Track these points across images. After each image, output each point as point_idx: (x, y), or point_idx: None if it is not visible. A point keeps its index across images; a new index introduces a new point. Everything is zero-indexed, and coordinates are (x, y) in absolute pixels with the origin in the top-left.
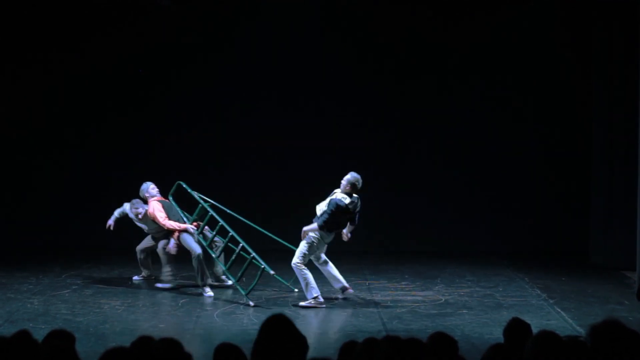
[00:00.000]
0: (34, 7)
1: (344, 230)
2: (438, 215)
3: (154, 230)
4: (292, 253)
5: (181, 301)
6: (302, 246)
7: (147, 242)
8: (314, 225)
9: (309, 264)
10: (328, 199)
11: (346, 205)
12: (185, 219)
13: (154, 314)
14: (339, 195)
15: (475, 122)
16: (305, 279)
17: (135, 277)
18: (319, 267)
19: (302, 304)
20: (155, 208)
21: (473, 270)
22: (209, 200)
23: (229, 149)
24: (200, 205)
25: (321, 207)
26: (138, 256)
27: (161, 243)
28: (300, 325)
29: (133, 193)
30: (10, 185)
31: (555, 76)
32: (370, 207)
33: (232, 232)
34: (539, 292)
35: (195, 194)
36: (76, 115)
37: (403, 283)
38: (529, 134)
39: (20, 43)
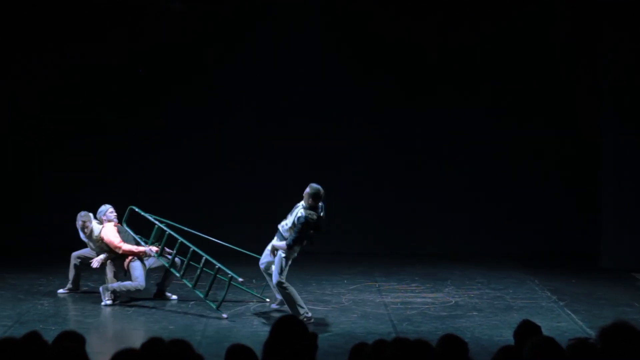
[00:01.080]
0: (47, 7)
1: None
2: (449, 218)
3: (97, 250)
4: (255, 259)
5: (191, 303)
6: (279, 262)
7: (87, 252)
8: (283, 244)
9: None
10: (294, 216)
11: (316, 220)
12: (142, 243)
13: (164, 316)
14: (305, 211)
15: (485, 125)
16: (291, 297)
17: (61, 290)
18: (265, 275)
19: None
20: (110, 232)
21: (483, 272)
22: (164, 220)
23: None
24: (155, 226)
25: (286, 223)
26: (72, 262)
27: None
28: (311, 327)
29: (141, 194)
30: (20, 185)
31: (564, 78)
32: (381, 209)
33: (192, 247)
34: (549, 294)
35: (149, 216)
36: (88, 115)
37: (413, 285)
38: (540, 137)
39: (29, 43)
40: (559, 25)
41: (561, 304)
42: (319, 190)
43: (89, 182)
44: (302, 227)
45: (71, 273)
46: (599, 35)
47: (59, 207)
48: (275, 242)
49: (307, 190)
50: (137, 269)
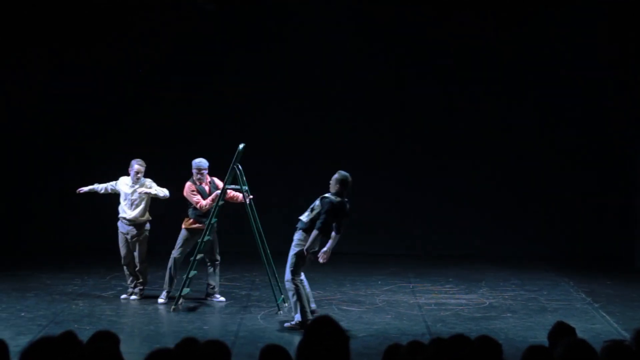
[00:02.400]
0: (70, 7)
1: (326, 246)
2: (483, 219)
3: (130, 203)
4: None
5: (225, 303)
6: (291, 259)
7: (126, 250)
8: (315, 232)
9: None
10: (316, 203)
11: (340, 204)
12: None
13: (197, 316)
14: (329, 195)
15: (518, 128)
16: (299, 298)
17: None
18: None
19: (287, 324)
20: (189, 189)
21: (518, 274)
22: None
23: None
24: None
25: (306, 214)
26: (129, 271)
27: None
28: (345, 328)
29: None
30: (57, 186)
31: (595, 81)
32: (415, 211)
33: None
34: (583, 296)
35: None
36: (116, 114)
37: (447, 286)
38: (574, 139)
39: (51, 43)
40: (590, 27)
41: (596, 305)
42: (346, 176)
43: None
44: (328, 209)
45: (132, 275)
46: (632, 37)
47: (94, 208)
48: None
49: (335, 176)
50: (180, 237)
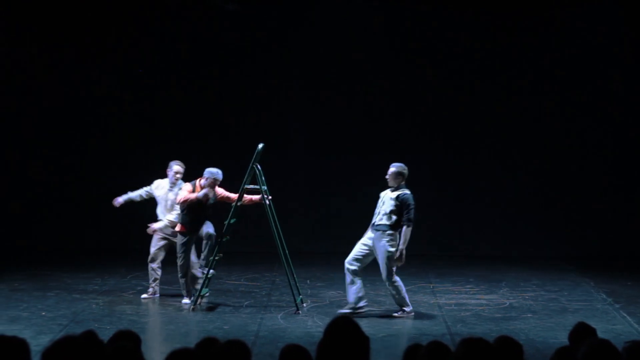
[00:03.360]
0: (89, 6)
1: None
2: (503, 219)
3: (164, 206)
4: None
5: (245, 303)
6: (385, 263)
7: (158, 246)
8: (408, 228)
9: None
10: (387, 204)
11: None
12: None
13: (217, 316)
14: (399, 192)
15: (541, 127)
16: (401, 293)
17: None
18: (348, 273)
19: (395, 314)
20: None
21: (538, 274)
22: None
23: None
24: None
25: (381, 216)
26: (158, 273)
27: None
28: (365, 328)
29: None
30: (77, 186)
31: (623, 79)
32: (435, 211)
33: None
34: (604, 296)
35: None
36: (130, 114)
37: (467, 286)
38: (596, 138)
39: (59, 42)
40: (618, 26)
41: (617, 306)
42: (403, 167)
43: (146, 183)
44: (412, 204)
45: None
46: None
47: (116, 208)
48: (375, 237)
49: (392, 170)
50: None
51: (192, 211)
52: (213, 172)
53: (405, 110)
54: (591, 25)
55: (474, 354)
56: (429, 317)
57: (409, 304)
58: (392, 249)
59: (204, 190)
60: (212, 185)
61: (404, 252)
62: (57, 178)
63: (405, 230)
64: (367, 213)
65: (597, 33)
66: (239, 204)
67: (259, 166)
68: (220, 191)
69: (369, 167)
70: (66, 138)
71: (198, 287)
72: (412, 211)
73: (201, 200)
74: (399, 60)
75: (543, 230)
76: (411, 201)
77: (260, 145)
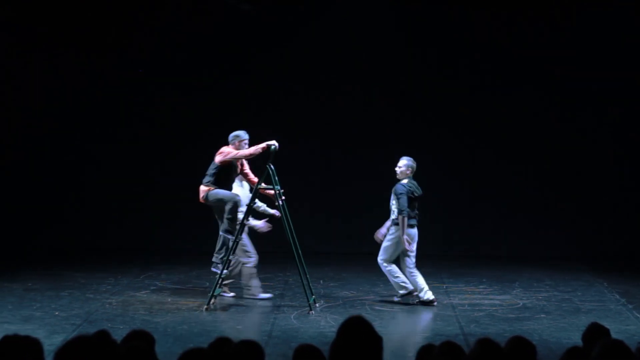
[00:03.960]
0: (98, 6)
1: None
2: (516, 219)
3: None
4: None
5: (258, 303)
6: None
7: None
8: (401, 218)
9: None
10: (392, 195)
11: (413, 189)
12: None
13: (231, 316)
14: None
15: (554, 127)
16: (394, 275)
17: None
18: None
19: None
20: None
21: (551, 274)
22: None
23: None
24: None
25: (391, 206)
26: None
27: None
28: (378, 328)
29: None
30: (90, 185)
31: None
32: (448, 211)
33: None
34: (617, 296)
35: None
36: (144, 114)
37: (481, 287)
38: (608, 138)
39: (71, 40)
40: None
41: (630, 306)
42: (410, 160)
43: (159, 183)
44: (401, 193)
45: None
46: None
47: (129, 207)
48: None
49: (404, 162)
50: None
51: (226, 172)
52: (236, 133)
53: (421, 108)
54: (605, 25)
55: (490, 354)
56: (442, 317)
57: (407, 287)
58: (392, 236)
59: (255, 147)
60: (238, 148)
61: (404, 238)
62: (70, 177)
63: (401, 220)
64: (380, 213)
65: (611, 34)
66: (254, 205)
67: (272, 166)
68: (246, 166)
69: (383, 166)
70: (80, 137)
71: (254, 282)
72: (402, 200)
73: (247, 157)
74: (413, 58)
75: (556, 230)
76: (400, 190)
77: (274, 145)
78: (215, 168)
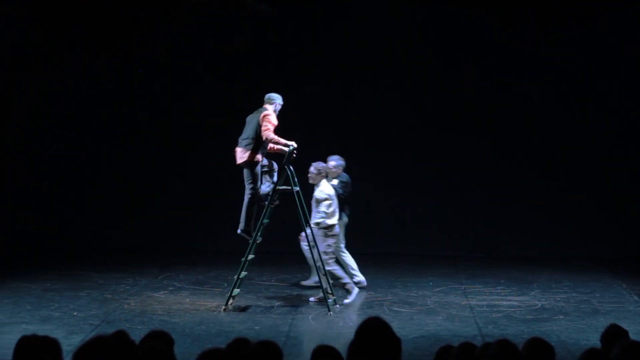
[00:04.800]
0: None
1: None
2: (535, 221)
3: None
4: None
5: (276, 303)
6: None
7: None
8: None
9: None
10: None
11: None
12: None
13: (248, 316)
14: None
15: (572, 126)
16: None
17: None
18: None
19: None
20: (271, 114)
21: (570, 275)
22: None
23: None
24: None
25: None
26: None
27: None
28: (396, 329)
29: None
30: (110, 185)
31: None
32: (466, 212)
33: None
34: (636, 298)
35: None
36: (162, 112)
37: (499, 288)
38: (628, 138)
39: (92, 44)
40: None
41: None
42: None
43: (179, 183)
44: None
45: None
46: None
47: (148, 208)
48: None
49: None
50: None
51: (261, 141)
52: (275, 96)
53: (441, 111)
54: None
55: (507, 355)
56: (461, 318)
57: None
58: None
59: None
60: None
61: None
62: (89, 178)
63: None
64: (399, 213)
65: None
66: (275, 203)
67: (291, 167)
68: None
69: (401, 166)
70: (99, 138)
71: (345, 280)
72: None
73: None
74: (432, 58)
75: (575, 231)
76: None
77: (292, 146)
78: (257, 134)
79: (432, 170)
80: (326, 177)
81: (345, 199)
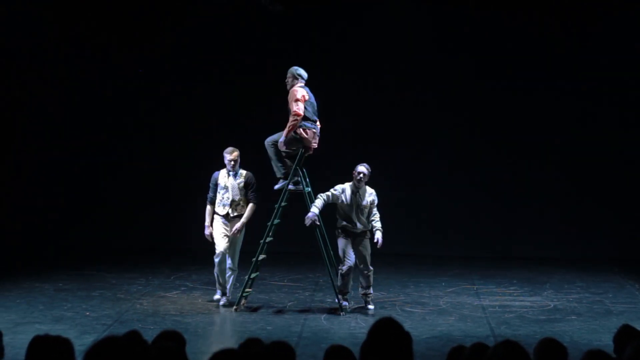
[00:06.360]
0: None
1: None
2: (547, 221)
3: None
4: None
5: (288, 304)
6: None
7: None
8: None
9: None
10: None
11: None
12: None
13: (261, 316)
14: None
15: (585, 127)
16: None
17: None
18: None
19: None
20: (300, 94)
21: (582, 276)
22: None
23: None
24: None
25: None
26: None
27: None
28: (408, 329)
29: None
30: (122, 186)
31: None
32: (479, 212)
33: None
34: None
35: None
36: (172, 112)
37: (511, 288)
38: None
39: (91, 45)
40: None
41: None
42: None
43: (190, 183)
44: None
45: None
46: None
47: (160, 208)
48: None
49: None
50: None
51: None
52: (300, 71)
53: (456, 111)
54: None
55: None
56: (473, 318)
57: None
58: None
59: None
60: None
61: None
62: (102, 178)
63: None
64: (411, 214)
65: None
66: (284, 204)
67: (303, 169)
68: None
69: (413, 167)
70: (109, 138)
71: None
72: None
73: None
74: (450, 60)
75: (588, 231)
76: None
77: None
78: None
79: (445, 170)
80: None
81: None
